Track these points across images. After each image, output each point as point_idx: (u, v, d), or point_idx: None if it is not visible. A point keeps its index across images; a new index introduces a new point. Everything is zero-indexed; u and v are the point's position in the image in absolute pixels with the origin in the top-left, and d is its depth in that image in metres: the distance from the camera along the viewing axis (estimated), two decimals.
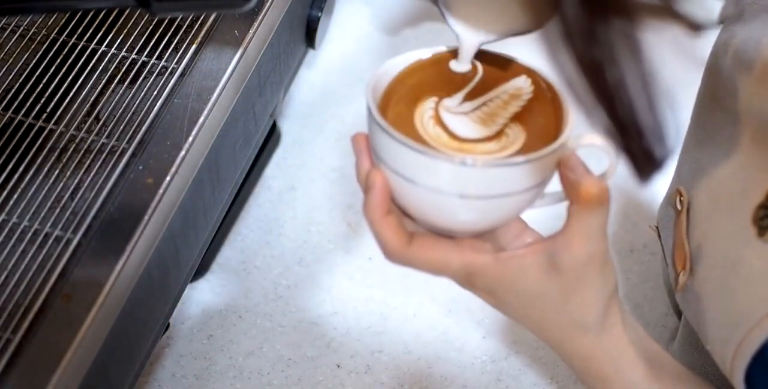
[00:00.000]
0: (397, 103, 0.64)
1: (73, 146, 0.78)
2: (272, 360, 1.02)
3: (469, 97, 0.65)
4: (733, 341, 0.65)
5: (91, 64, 0.82)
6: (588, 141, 0.62)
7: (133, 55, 0.83)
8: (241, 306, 1.05)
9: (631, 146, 0.56)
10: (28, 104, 0.79)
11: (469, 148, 0.62)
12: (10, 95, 0.80)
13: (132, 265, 0.72)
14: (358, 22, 1.27)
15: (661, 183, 0.72)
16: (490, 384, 1.01)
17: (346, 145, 1.16)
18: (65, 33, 0.84)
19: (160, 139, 0.78)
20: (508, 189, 0.61)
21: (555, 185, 0.64)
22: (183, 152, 0.77)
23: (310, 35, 1.02)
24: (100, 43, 0.84)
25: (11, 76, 0.81)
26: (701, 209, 0.74)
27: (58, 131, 0.78)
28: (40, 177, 0.76)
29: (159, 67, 0.83)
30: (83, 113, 0.79)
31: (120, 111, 0.80)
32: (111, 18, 0.85)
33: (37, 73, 0.81)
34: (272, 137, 1.12)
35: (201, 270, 1.06)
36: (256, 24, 0.84)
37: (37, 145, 0.77)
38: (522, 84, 0.65)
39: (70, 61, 0.82)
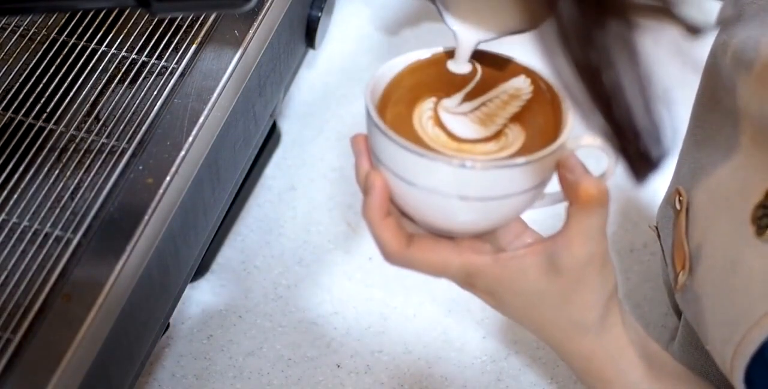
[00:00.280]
0: (396, 103, 0.64)
1: (73, 146, 0.78)
2: (272, 360, 1.02)
3: (468, 97, 0.65)
4: (733, 340, 0.65)
5: (91, 64, 0.82)
6: (587, 142, 0.62)
7: (133, 55, 0.83)
8: (241, 306, 1.05)
9: (627, 148, 0.56)
10: (28, 104, 0.79)
11: (468, 148, 0.62)
12: (10, 95, 0.80)
13: (132, 265, 0.72)
14: (358, 22, 1.27)
15: (661, 183, 0.72)
16: (490, 384, 1.01)
17: (346, 145, 1.16)
18: (65, 33, 0.84)
19: (160, 139, 0.78)
20: (508, 191, 0.61)
21: (555, 185, 0.64)
22: (183, 152, 0.77)
23: (310, 35, 1.02)
24: (100, 43, 0.84)
25: (11, 76, 0.81)
26: (700, 209, 0.74)
27: (58, 131, 0.78)
28: (40, 177, 0.76)
29: (159, 67, 0.83)
30: (83, 113, 0.80)
31: (120, 111, 0.80)
32: (111, 18, 0.85)
33: (37, 73, 0.81)
34: (272, 137, 1.12)
35: (201, 270, 1.06)
36: (256, 24, 0.84)
37: (37, 145, 0.77)
38: (521, 84, 0.65)
39: (70, 61, 0.82)
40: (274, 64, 0.93)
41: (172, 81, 0.81)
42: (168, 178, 0.76)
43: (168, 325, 0.91)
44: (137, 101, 0.80)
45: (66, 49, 0.83)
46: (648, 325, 1.05)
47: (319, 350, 1.03)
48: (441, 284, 1.03)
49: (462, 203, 0.61)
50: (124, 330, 0.75)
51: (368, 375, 1.01)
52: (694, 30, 0.54)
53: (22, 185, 0.75)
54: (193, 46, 0.83)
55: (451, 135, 0.63)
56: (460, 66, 0.66)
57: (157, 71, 0.82)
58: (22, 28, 0.84)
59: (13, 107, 0.79)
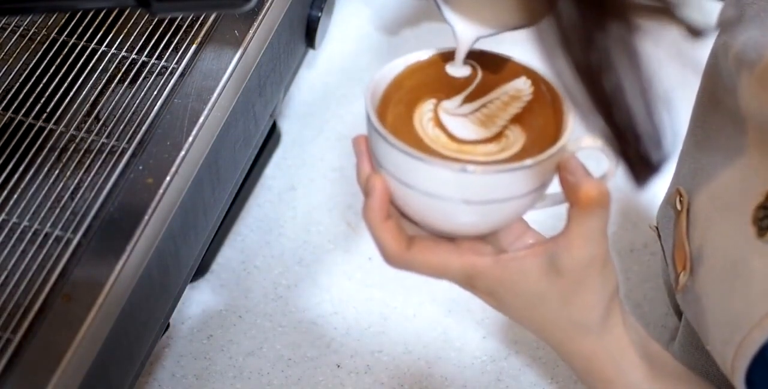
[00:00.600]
0: (397, 104, 0.64)
1: (73, 146, 0.78)
2: (272, 360, 1.02)
3: (468, 98, 0.65)
4: (734, 341, 0.65)
5: (91, 64, 0.82)
6: (588, 143, 0.61)
7: (133, 55, 0.83)
8: (241, 306, 1.05)
9: (628, 151, 0.56)
10: (28, 104, 0.79)
11: (468, 149, 0.62)
12: (10, 95, 0.80)
13: (132, 265, 0.72)
14: (358, 22, 1.27)
15: (661, 183, 0.72)
16: (490, 384, 1.01)
17: (346, 145, 1.16)
18: (65, 33, 0.84)
19: (160, 139, 0.78)
20: (509, 194, 0.61)
21: (556, 186, 0.64)
22: (183, 152, 0.77)
23: (310, 35, 1.02)
24: (100, 43, 0.84)
25: (11, 76, 0.81)
26: (701, 210, 0.74)
27: (58, 131, 0.78)
28: (40, 177, 0.76)
29: (159, 67, 0.82)
30: (83, 113, 0.79)
31: (120, 111, 0.80)
32: (111, 18, 0.85)
33: (37, 73, 0.81)
34: (272, 137, 1.12)
35: (201, 270, 1.06)
36: (256, 24, 0.84)
37: (37, 145, 0.77)
38: (522, 86, 0.65)
39: (70, 61, 0.82)
40: (274, 64, 0.93)
41: (172, 81, 0.81)
42: (168, 178, 0.76)
43: (168, 325, 0.91)
44: (137, 101, 0.80)
45: (66, 49, 0.83)
46: (648, 325, 1.05)
47: (319, 350, 1.02)
48: (441, 285, 1.03)
49: (463, 207, 0.61)
50: (124, 330, 0.75)
51: (368, 375, 1.01)
52: (695, 32, 0.54)
53: (22, 185, 0.75)
54: (193, 46, 0.83)
55: (451, 136, 0.63)
56: (458, 70, 0.66)
57: (157, 71, 0.82)
58: (22, 28, 0.84)
59: (13, 107, 0.79)
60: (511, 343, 1.04)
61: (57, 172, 0.76)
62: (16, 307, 0.69)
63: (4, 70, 0.81)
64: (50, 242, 0.73)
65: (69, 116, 0.79)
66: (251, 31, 0.84)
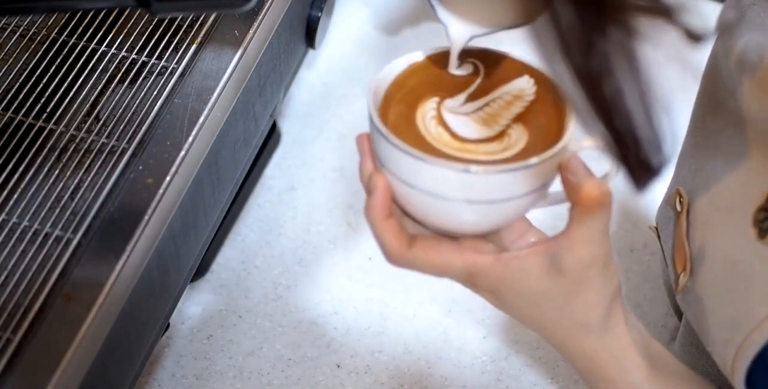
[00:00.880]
0: (398, 104, 0.64)
1: (73, 146, 0.78)
2: (272, 360, 1.02)
3: (471, 97, 0.65)
4: (734, 342, 0.65)
5: (91, 64, 0.82)
6: (589, 143, 0.61)
7: (133, 55, 0.83)
8: (241, 306, 1.05)
9: (628, 156, 0.56)
10: (28, 104, 0.79)
11: (471, 148, 0.62)
12: (10, 95, 0.80)
13: (132, 265, 0.72)
14: (357, 22, 1.27)
15: (661, 183, 0.72)
16: (490, 384, 1.01)
17: (346, 145, 1.17)
18: (65, 33, 0.84)
19: (160, 139, 0.78)
20: (511, 193, 0.61)
21: (558, 184, 0.64)
22: (183, 152, 0.77)
23: (310, 35, 1.02)
24: (100, 43, 0.84)
25: (11, 76, 0.81)
26: (702, 211, 0.74)
27: (58, 131, 0.78)
28: (40, 177, 0.76)
29: (159, 67, 0.82)
30: (83, 113, 0.79)
31: (120, 111, 0.80)
32: (111, 18, 0.85)
33: (37, 73, 0.81)
34: (272, 137, 1.12)
35: (201, 270, 1.06)
36: (256, 24, 0.84)
37: (37, 145, 0.77)
38: (524, 85, 0.65)
39: (70, 61, 0.82)
40: (274, 64, 0.93)
41: (172, 81, 0.81)
42: (168, 178, 0.76)
43: (168, 325, 0.91)
44: (137, 101, 0.80)
45: (66, 49, 0.83)
46: (648, 325, 1.05)
47: (319, 350, 1.02)
48: (441, 284, 1.03)
49: (465, 206, 0.61)
50: (124, 330, 0.75)
51: (368, 375, 1.01)
52: (694, 37, 0.54)
53: (22, 185, 0.75)
54: (193, 46, 0.83)
55: (454, 135, 0.63)
56: (456, 68, 0.66)
57: (157, 71, 0.82)
58: (22, 28, 0.83)
59: (13, 107, 0.79)
60: (511, 343, 1.04)
61: (57, 172, 0.76)
62: (16, 307, 0.69)
63: (4, 70, 0.81)
64: (50, 242, 0.73)
65: (69, 116, 0.79)
66: (251, 31, 0.84)
